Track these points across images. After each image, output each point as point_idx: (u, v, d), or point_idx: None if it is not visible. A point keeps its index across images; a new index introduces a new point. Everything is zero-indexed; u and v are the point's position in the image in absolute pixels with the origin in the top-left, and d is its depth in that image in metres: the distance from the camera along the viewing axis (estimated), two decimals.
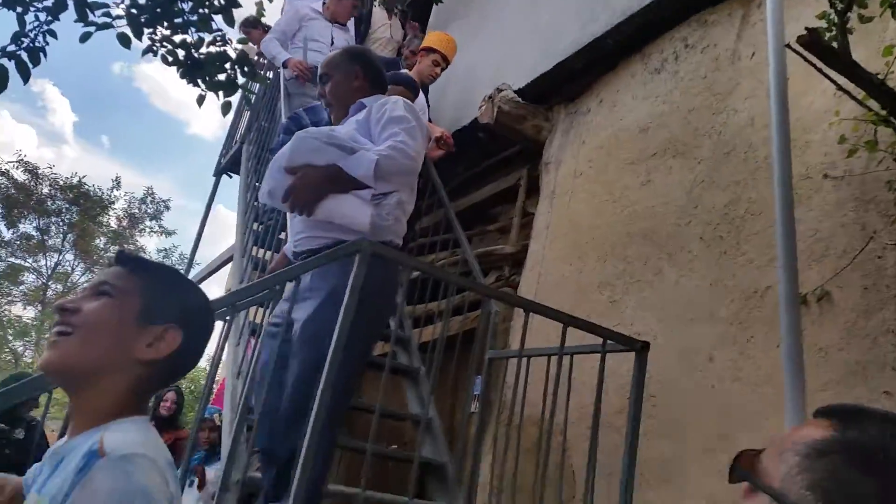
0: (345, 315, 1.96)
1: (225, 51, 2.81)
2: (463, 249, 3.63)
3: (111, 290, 1.04)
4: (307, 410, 1.97)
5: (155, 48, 2.88)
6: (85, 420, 1.00)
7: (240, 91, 2.93)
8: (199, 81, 2.91)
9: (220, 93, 2.83)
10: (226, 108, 2.88)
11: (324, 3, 4.93)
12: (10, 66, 2.52)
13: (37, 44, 2.49)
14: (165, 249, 22.98)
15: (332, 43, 4.71)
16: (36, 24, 2.50)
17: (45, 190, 20.67)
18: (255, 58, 5.36)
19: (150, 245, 23.46)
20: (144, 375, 1.04)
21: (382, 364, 2.64)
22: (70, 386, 1.03)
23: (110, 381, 1.01)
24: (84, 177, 21.50)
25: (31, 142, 41.97)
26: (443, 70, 4.31)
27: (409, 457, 2.95)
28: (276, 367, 2.26)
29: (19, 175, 20.21)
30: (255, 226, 4.07)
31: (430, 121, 4.07)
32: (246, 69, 2.87)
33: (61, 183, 20.78)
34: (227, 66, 2.82)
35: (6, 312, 21.51)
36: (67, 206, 21.05)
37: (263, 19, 5.55)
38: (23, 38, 2.48)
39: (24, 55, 2.49)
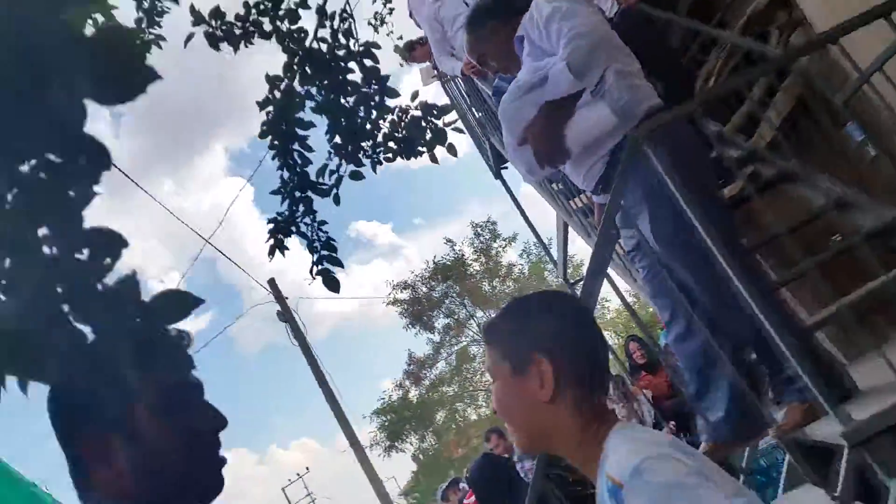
0: (685, 202, 1.88)
1: (412, 116, 3.05)
2: (726, 38, 3.24)
3: (492, 373, 1.15)
4: (728, 295, 1.94)
5: (376, 159, 3.25)
6: (585, 468, 1.05)
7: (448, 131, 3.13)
8: (419, 150, 3.19)
9: (437, 146, 3.06)
10: (451, 150, 3.10)
11: None
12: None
13: (322, 237, 3.03)
14: (522, 250, 25.67)
15: (468, 5, 4.61)
16: (307, 224, 3.05)
17: (423, 289, 24.53)
18: (434, 71, 5.45)
19: (512, 257, 26.52)
20: (568, 405, 1.04)
21: (753, 195, 2.47)
22: (547, 452, 1.16)
23: (559, 432, 1.05)
24: (435, 256, 25.13)
25: (382, 267, 48.40)
26: None
27: (854, 240, 2.68)
28: (660, 273, 2.28)
29: (401, 295, 24.48)
30: (553, 187, 4.18)
31: None
32: (436, 112, 3.07)
33: (427, 275, 24.48)
34: (423, 124, 3.04)
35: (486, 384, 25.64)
36: (442, 285, 24.54)
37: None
38: (315, 245, 3.04)
39: (325, 252, 3.04)
